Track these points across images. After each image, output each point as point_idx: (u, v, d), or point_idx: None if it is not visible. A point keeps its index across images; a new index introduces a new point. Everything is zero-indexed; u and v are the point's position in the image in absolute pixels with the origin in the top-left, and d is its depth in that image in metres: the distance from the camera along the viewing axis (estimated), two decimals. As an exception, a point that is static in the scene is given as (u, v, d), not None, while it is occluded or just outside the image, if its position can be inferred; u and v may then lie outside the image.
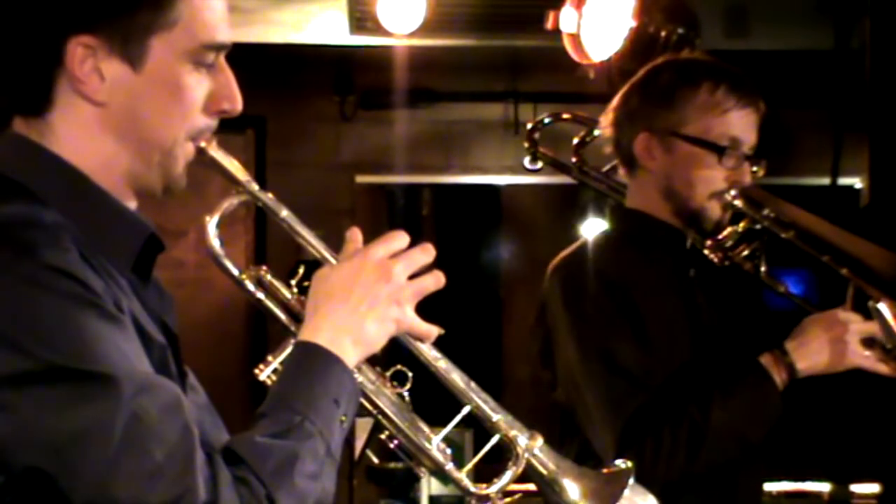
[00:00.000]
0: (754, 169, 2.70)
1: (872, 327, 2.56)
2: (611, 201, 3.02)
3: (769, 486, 5.40)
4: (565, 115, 3.51)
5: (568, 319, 2.59)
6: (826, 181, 5.34)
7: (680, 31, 4.05)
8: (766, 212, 2.66)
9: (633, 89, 2.74)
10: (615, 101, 2.76)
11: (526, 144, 3.48)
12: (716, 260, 2.68)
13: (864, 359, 2.56)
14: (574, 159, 3.33)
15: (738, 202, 2.66)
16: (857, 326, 2.56)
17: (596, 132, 3.18)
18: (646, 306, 2.60)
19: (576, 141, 3.37)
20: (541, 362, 2.69)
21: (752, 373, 2.55)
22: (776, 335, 2.61)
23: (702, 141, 2.64)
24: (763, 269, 2.68)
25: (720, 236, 2.68)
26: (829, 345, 2.55)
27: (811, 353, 2.55)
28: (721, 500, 2.62)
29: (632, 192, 2.78)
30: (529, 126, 3.50)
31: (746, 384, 2.55)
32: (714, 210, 2.66)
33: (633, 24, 4.04)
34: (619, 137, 2.74)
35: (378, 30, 5.54)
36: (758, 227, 2.67)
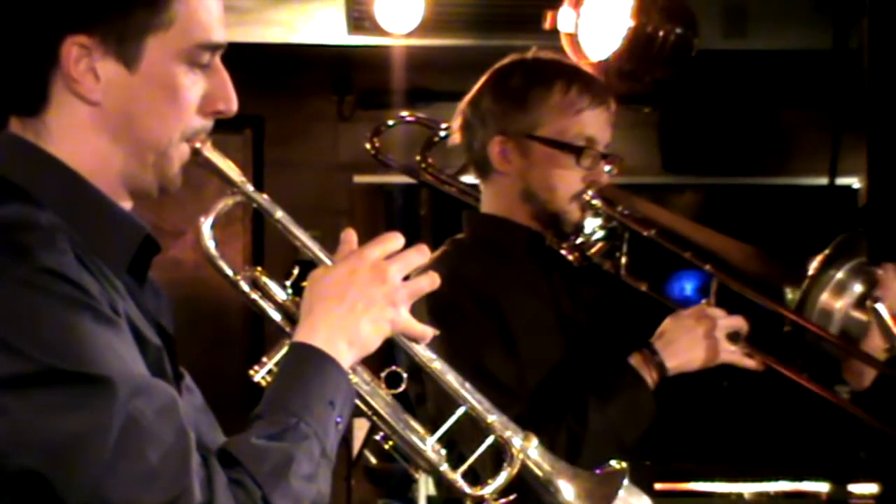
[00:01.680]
0: (608, 168, 2.68)
1: (737, 321, 2.56)
2: (465, 208, 2.96)
3: (767, 487, 5.41)
4: (409, 118, 3.48)
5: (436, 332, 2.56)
6: (824, 181, 5.35)
7: (678, 30, 4.05)
8: (623, 210, 2.65)
9: (482, 91, 2.71)
10: (463, 103, 2.73)
11: (367, 146, 3.43)
12: (573, 260, 2.66)
13: (732, 354, 2.55)
14: (418, 159, 3.29)
15: (596, 202, 2.64)
16: (724, 322, 2.55)
17: (442, 133, 3.15)
18: (512, 313, 2.57)
19: (423, 143, 3.31)
20: (410, 375, 2.65)
21: (624, 375, 2.53)
22: (645, 332, 2.59)
23: (559, 142, 2.62)
24: (623, 267, 2.66)
25: (577, 237, 2.66)
26: (697, 341, 2.54)
27: (680, 350, 2.54)
28: None
29: (487, 196, 2.74)
30: (372, 129, 3.46)
31: (619, 388, 2.53)
32: (574, 211, 2.64)
33: (631, 23, 4.03)
34: (471, 141, 2.71)
35: (376, 29, 5.55)
36: (614, 223, 2.65)
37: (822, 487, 5.33)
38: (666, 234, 2.64)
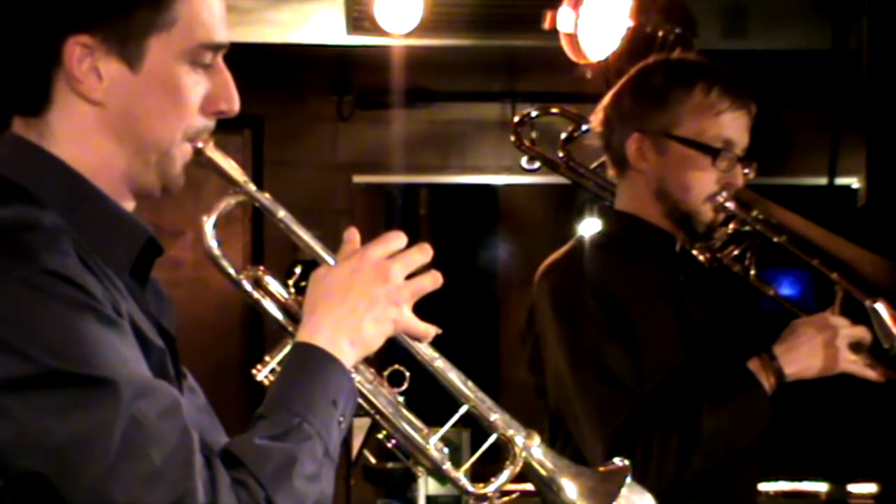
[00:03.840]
0: (746, 171, 2.68)
1: (861, 332, 2.55)
2: (600, 203, 2.99)
3: (766, 487, 5.41)
4: (553, 110, 3.47)
5: (558, 327, 2.57)
6: (823, 181, 5.34)
7: (677, 30, 4.05)
8: (757, 214, 2.65)
9: (624, 89, 2.72)
10: (605, 100, 2.74)
11: (512, 138, 3.44)
12: (703, 260, 2.67)
13: (853, 364, 2.55)
14: (561, 154, 3.30)
15: (730, 204, 2.64)
16: (847, 331, 2.55)
17: (584, 128, 3.16)
18: (636, 313, 2.58)
19: (563, 136, 3.33)
20: (530, 367, 2.67)
21: (741, 379, 2.53)
22: (768, 338, 2.59)
23: (696, 143, 2.62)
24: (752, 271, 2.66)
25: (709, 239, 2.67)
26: (818, 349, 2.54)
27: (800, 357, 2.54)
28: (715, 502, 2.61)
29: (622, 193, 2.76)
30: (516, 119, 3.47)
31: (736, 391, 2.53)
32: (706, 212, 2.64)
33: (630, 24, 4.04)
34: (610, 137, 2.72)
35: (375, 29, 5.54)
36: (746, 228, 2.66)
37: (822, 487, 5.33)
38: (796, 240, 2.63)
